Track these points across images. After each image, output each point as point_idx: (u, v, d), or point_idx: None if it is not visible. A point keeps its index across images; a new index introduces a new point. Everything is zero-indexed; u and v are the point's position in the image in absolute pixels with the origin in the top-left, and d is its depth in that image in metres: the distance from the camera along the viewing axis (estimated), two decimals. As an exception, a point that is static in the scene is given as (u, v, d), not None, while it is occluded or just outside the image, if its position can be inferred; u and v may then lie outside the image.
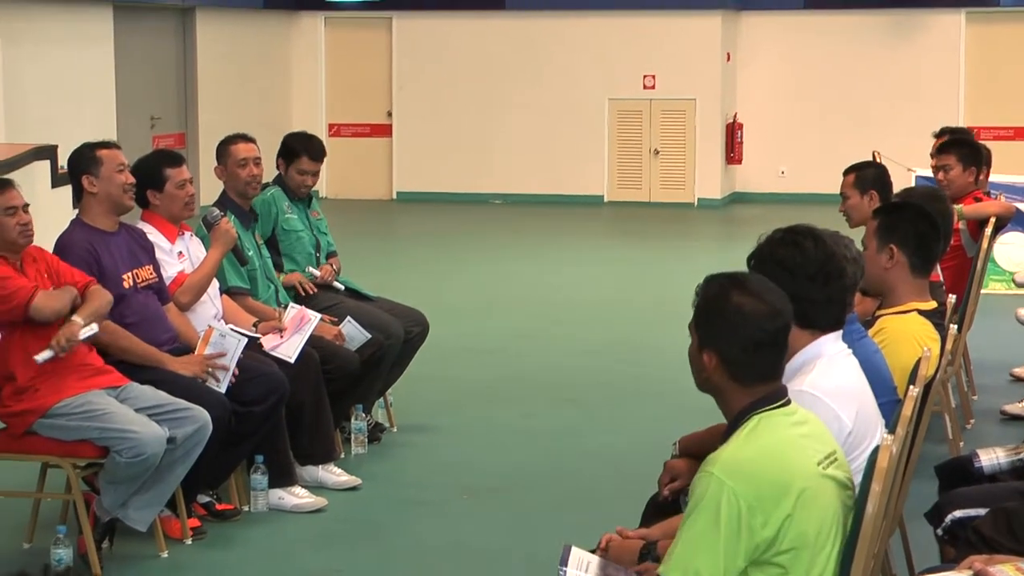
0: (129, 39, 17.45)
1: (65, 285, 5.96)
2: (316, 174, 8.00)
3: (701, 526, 3.43)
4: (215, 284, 7.02)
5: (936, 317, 5.32)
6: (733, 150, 20.87)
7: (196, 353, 6.42)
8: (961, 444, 7.34)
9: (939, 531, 4.54)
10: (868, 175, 7.47)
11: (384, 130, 21.73)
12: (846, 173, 7.58)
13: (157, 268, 6.62)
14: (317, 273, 7.91)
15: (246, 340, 6.53)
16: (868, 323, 5.01)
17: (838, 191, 7.64)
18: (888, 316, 5.19)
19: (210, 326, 6.55)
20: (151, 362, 6.30)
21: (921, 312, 5.21)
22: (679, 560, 3.44)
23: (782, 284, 3.94)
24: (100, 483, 6.00)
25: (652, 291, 13.45)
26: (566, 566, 3.69)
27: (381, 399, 8.11)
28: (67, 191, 6.60)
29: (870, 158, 9.49)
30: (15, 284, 5.80)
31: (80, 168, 6.43)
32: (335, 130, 21.47)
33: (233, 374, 6.43)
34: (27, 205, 5.99)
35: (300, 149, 7.91)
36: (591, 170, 20.97)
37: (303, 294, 7.73)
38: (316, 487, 6.98)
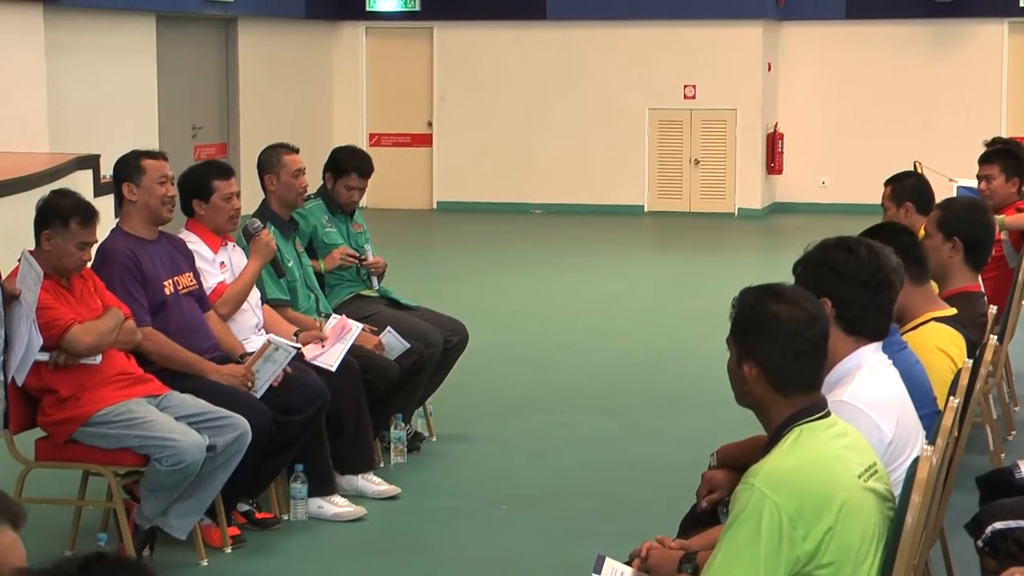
0: (172, 49, 17.56)
1: (110, 308, 6.00)
2: (363, 190, 8.01)
3: (742, 538, 3.42)
4: (256, 293, 7.05)
5: (957, 322, 5.30)
6: (774, 160, 20.82)
7: (247, 365, 6.43)
8: (1003, 455, 7.30)
9: (979, 542, 4.52)
10: (904, 186, 7.47)
11: (425, 140, 21.77)
12: (886, 184, 7.59)
13: (197, 275, 6.65)
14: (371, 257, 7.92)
15: (294, 351, 6.56)
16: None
17: (879, 202, 7.63)
18: (906, 335, 5.17)
19: (269, 339, 6.55)
20: (193, 370, 6.33)
21: (937, 319, 5.21)
22: (719, 571, 3.44)
23: (832, 288, 3.96)
24: (141, 491, 6.03)
25: (692, 301, 13.42)
26: (599, 574, 3.71)
27: (420, 408, 8.13)
28: (110, 200, 6.64)
29: (911, 168, 9.47)
30: (52, 315, 5.83)
31: (123, 175, 6.47)
32: (376, 140, 21.53)
33: (275, 380, 6.46)
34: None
35: (350, 166, 7.91)
36: (631, 180, 20.95)
37: (350, 264, 7.77)
38: (356, 496, 6.99)
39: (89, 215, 5.96)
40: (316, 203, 7.87)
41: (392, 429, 7.66)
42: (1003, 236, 8.20)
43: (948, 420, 4.10)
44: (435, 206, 21.66)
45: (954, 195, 9.63)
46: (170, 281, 6.47)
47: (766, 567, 3.40)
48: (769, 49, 20.74)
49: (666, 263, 16.42)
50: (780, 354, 3.54)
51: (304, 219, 7.77)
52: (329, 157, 8.03)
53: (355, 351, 7.15)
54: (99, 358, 5.93)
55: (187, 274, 6.58)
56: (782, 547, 3.40)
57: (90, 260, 6.07)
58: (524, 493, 7.30)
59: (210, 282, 6.81)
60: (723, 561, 3.44)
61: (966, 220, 6.16)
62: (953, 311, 5.35)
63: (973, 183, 9.11)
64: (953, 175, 11.40)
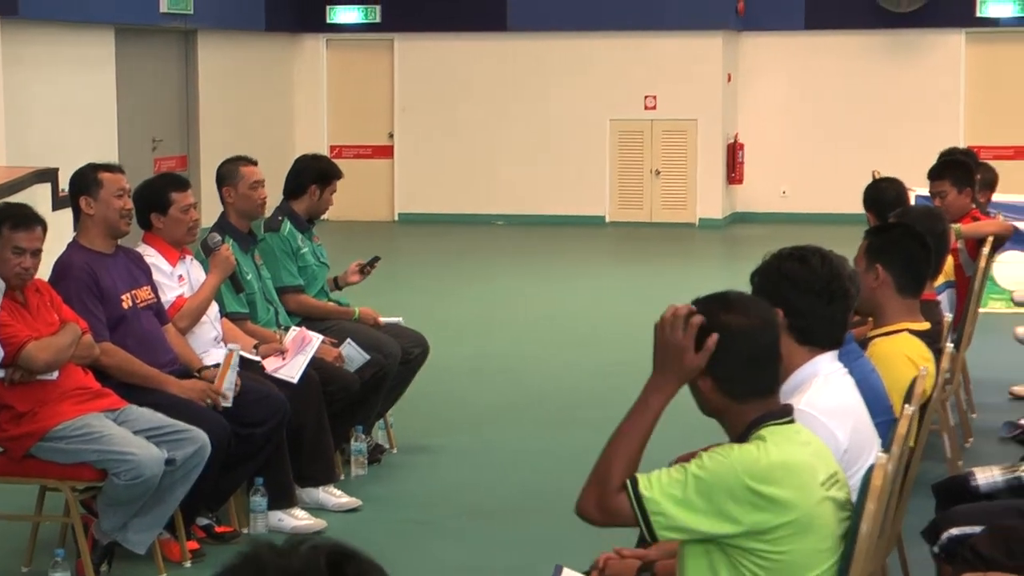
0: (131, 61, 17.50)
1: (67, 324, 5.96)
2: None
3: (695, 474, 3.42)
4: (215, 306, 7.03)
5: (929, 337, 5.32)
6: (734, 170, 20.90)
7: (218, 380, 6.41)
8: (960, 463, 7.33)
9: (935, 549, 4.54)
10: (865, 196, 7.56)
11: (386, 151, 21.77)
12: (866, 208, 7.76)
13: (155, 289, 6.63)
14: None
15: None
16: (861, 346, 5.02)
17: (840, 211, 7.69)
18: (879, 338, 5.20)
19: (230, 350, 6.54)
20: (152, 384, 6.30)
21: (913, 332, 5.21)
22: (656, 486, 3.45)
23: (786, 298, 3.97)
24: (99, 506, 6.00)
25: (653, 311, 13.37)
26: (557, 585, 3.70)
27: (381, 420, 8.12)
28: (68, 214, 6.62)
29: (870, 178, 9.50)
30: (7, 333, 5.79)
31: (79, 189, 6.44)
32: (337, 151, 21.49)
33: (236, 384, 6.44)
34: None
35: (334, 173, 8.06)
36: (592, 191, 21.00)
37: (368, 274, 8.15)
38: (316, 509, 6.98)
39: (22, 219, 5.90)
40: (289, 226, 7.85)
41: (353, 441, 7.65)
42: (960, 245, 8.25)
43: (903, 428, 4.12)
44: (397, 218, 21.65)
45: (912, 203, 9.70)
46: (128, 295, 6.44)
47: (703, 502, 3.40)
48: (729, 60, 20.83)
49: (628, 273, 16.45)
50: (732, 363, 3.53)
51: (287, 243, 7.77)
52: (308, 169, 8.02)
53: (315, 363, 7.14)
54: (56, 373, 5.90)
55: (145, 287, 6.55)
56: (739, 500, 3.40)
57: (33, 268, 5.95)
58: (485, 505, 7.30)
59: (168, 296, 6.78)
60: (662, 481, 3.45)
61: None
62: (927, 325, 5.37)
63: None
64: (911, 184, 11.45)
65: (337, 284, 8.21)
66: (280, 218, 7.84)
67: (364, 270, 8.27)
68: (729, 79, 20.85)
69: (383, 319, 8.03)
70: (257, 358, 6.98)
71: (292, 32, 21.51)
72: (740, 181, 21.02)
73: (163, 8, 17.70)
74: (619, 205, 21.10)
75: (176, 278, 6.88)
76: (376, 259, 8.24)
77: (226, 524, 6.66)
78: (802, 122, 21.00)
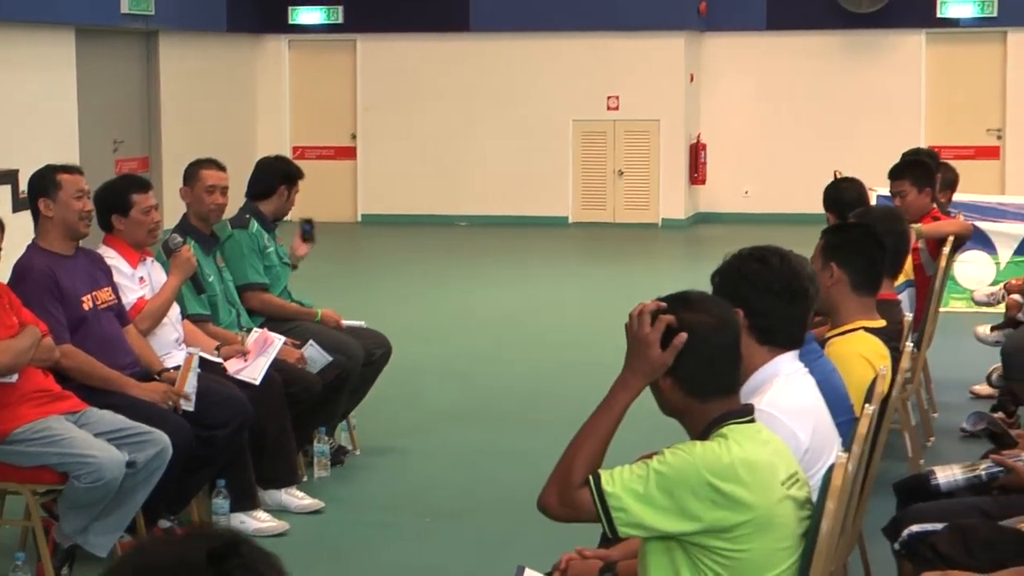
0: (92, 63, 17.41)
1: (27, 326, 5.93)
2: None
3: (656, 470, 3.44)
4: (176, 308, 7.01)
5: (886, 335, 5.34)
6: (697, 170, 20.95)
7: (179, 383, 6.38)
8: (921, 462, 7.37)
9: (896, 545, 4.56)
10: (825, 196, 7.59)
11: (349, 152, 21.74)
12: (826, 209, 7.77)
13: (116, 290, 6.60)
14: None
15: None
16: (821, 346, 5.04)
17: (802, 210, 7.72)
18: (835, 339, 5.22)
19: (190, 353, 6.52)
20: (113, 386, 6.28)
21: (868, 330, 5.24)
22: (618, 480, 3.46)
23: (746, 298, 3.97)
24: (60, 509, 5.97)
25: (618, 312, 13.41)
26: (519, 586, 3.71)
27: (344, 422, 8.11)
28: (28, 216, 6.59)
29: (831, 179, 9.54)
30: None
31: (38, 190, 6.41)
32: (300, 153, 21.45)
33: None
34: None
35: (298, 173, 8.13)
36: (556, 191, 21.01)
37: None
38: (279, 511, 6.96)
39: None
40: (255, 225, 7.85)
41: (315, 443, 7.63)
42: (920, 245, 8.29)
43: (863, 427, 4.14)
44: (360, 219, 21.61)
45: (873, 203, 9.75)
46: (89, 296, 6.41)
47: (664, 498, 3.41)
48: (691, 60, 20.88)
49: (591, 274, 16.47)
50: (693, 362, 3.54)
51: (255, 240, 7.81)
52: (275, 170, 8.07)
53: (277, 365, 7.13)
54: (16, 376, 5.87)
55: (106, 289, 6.52)
56: (701, 498, 3.41)
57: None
58: (449, 506, 7.30)
59: (129, 298, 6.76)
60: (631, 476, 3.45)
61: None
62: (883, 323, 5.39)
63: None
64: (873, 184, 11.51)
65: (291, 265, 8.18)
66: (247, 216, 7.85)
67: (307, 239, 8.26)
68: (691, 79, 20.89)
69: (346, 322, 8.02)
70: (219, 360, 6.96)
71: (254, 33, 21.44)
72: (703, 181, 21.07)
73: (124, 9, 17.62)
74: (582, 206, 21.12)
75: (137, 280, 6.86)
76: (309, 222, 8.22)
77: (188, 526, 6.62)
78: (764, 122, 21.06)
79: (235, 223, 7.81)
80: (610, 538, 4.25)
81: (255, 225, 7.84)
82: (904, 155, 9.48)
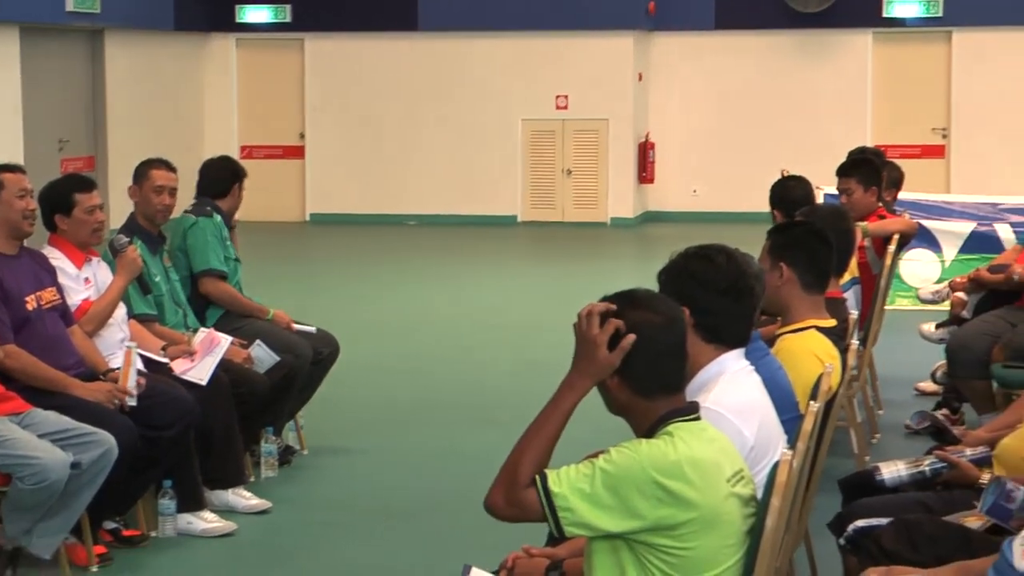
0: (36, 61, 17.28)
1: None
2: None
3: (602, 468, 3.45)
4: (122, 308, 6.96)
5: (835, 334, 5.37)
6: (645, 169, 21.01)
7: (122, 380, 6.34)
8: (867, 458, 7.42)
9: (841, 541, 4.59)
10: (771, 194, 7.63)
11: (297, 152, 21.67)
12: (772, 206, 7.79)
13: (61, 290, 6.55)
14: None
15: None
16: (769, 343, 5.06)
17: (750, 209, 7.74)
18: (786, 335, 5.24)
19: (128, 348, 6.47)
20: (57, 387, 6.22)
21: (820, 329, 5.26)
22: (564, 480, 3.47)
23: (692, 296, 3.99)
24: (3, 511, 5.91)
25: (566, 311, 13.42)
26: (466, 585, 3.70)
27: (292, 421, 8.08)
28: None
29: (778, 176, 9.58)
30: None
31: (-20, 191, 6.35)
32: (247, 152, 21.36)
33: (139, 382, 6.37)
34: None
35: (242, 170, 8.19)
36: (505, 190, 21.03)
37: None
38: (226, 511, 6.92)
39: None
40: (217, 217, 7.86)
41: (263, 443, 7.61)
42: (866, 243, 8.34)
43: (809, 424, 4.16)
44: (308, 218, 21.56)
45: (820, 202, 9.80)
46: (33, 296, 6.36)
47: (610, 496, 3.42)
48: (640, 59, 20.93)
49: (540, 273, 16.48)
50: (639, 360, 3.55)
51: (219, 229, 7.84)
52: (226, 169, 8.13)
53: (224, 365, 7.09)
54: None
55: (50, 289, 6.47)
56: (647, 496, 3.42)
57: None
58: (398, 505, 7.28)
59: (75, 299, 6.71)
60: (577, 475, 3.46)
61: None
62: (833, 322, 5.42)
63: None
64: (819, 183, 11.57)
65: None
66: (209, 208, 7.88)
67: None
68: (640, 79, 20.95)
69: (297, 326, 7.99)
70: (165, 360, 6.92)
71: (201, 31, 21.34)
72: (651, 180, 21.13)
73: (70, 7, 17.50)
74: (531, 205, 21.14)
75: (82, 281, 6.81)
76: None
77: (134, 528, 6.59)
78: (713, 121, 21.14)
79: (198, 213, 7.83)
80: (557, 537, 4.27)
81: (217, 217, 7.87)
82: (850, 153, 9.54)
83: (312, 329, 8.08)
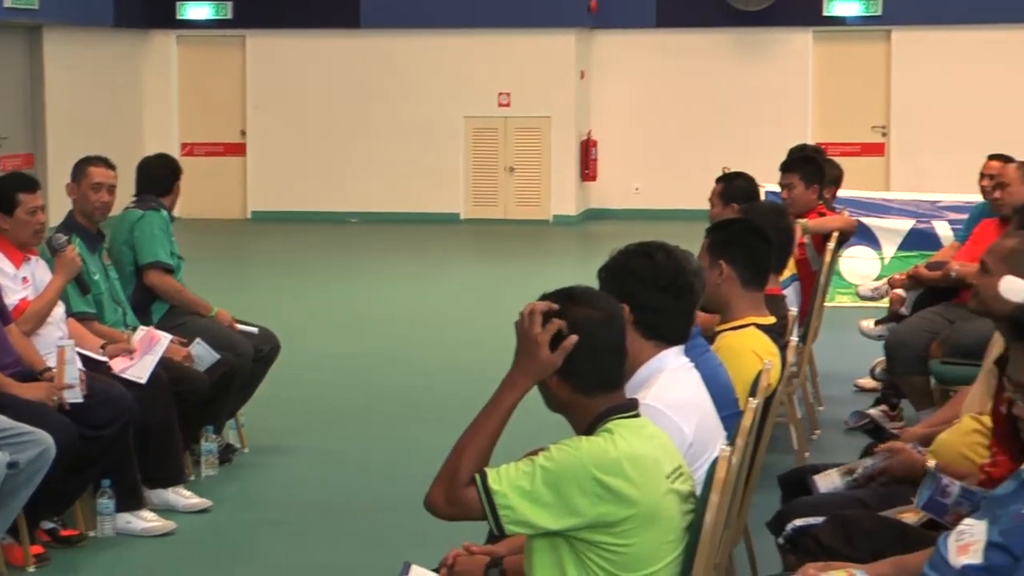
0: (-26, 58, 17.13)
1: None
2: None
3: (542, 466, 3.45)
4: (61, 307, 6.91)
5: (775, 331, 5.40)
6: (588, 167, 21.06)
7: (58, 379, 6.29)
8: (807, 454, 7.46)
9: (780, 540, 4.61)
10: (732, 188, 7.64)
11: (238, 149, 21.58)
12: (717, 182, 7.77)
13: (-1, 289, 6.50)
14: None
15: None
16: (709, 340, 5.08)
17: (692, 207, 7.76)
18: (726, 332, 5.26)
19: (60, 346, 6.42)
20: (-6, 387, 6.17)
21: (759, 326, 5.29)
22: (505, 479, 3.48)
23: (632, 293, 3.99)
24: (-61, 511, 5.86)
25: (509, 308, 13.44)
26: (405, 583, 3.70)
27: (232, 420, 8.04)
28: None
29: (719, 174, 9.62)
30: None
31: (-85, 188, 6.29)
32: (188, 149, 21.25)
33: (81, 379, 6.33)
34: None
35: (180, 167, 8.19)
36: (447, 188, 21.01)
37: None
38: (165, 510, 6.88)
39: None
40: (165, 213, 7.89)
41: (203, 441, 7.57)
42: (806, 240, 8.39)
43: (748, 420, 4.18)
44: (249, 216, 21.47)
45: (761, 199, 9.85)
46: (-32, 295, 6.30)
47: (550, 494, 3.42)
48: (582, 57, 20.97)
49: (483, 270, 16.49)
50: (578, 356, 3.56)
51: (165, 223, 7.84)
52: (167, 167, 8.12)
53: (164, 363, 7.05)
54: None
55: (-13, 288, 6.42)
56: (586, 493, 3.42)
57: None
58: (336, 503, 7.27)
59: (12, 299, 6.65)
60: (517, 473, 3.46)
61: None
62: (773, 319, 5.44)
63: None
64: (762, 180, 11.62)
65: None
66: (154, 204, 7.84)
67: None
68: (582, 76, 20.99)
69: (240, 326, 7.94)
70: (104, 358, 6.87)
71: (141, 28, 21.20)
72: (594, 178, 21.17)
73: (8, 3, 17.34)
74: (474, 202, 21.14)
75: (20, 280, 6.75)
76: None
77: (72, 527, 6.54)
78: (654, 119, 21.21)
79: (145, 207, 7.81)
80: (497, 535, 4.26)
81: (164, 212, 7.86)
82: (791, 151, 9.59)
83: (254, 330, 8.04)
